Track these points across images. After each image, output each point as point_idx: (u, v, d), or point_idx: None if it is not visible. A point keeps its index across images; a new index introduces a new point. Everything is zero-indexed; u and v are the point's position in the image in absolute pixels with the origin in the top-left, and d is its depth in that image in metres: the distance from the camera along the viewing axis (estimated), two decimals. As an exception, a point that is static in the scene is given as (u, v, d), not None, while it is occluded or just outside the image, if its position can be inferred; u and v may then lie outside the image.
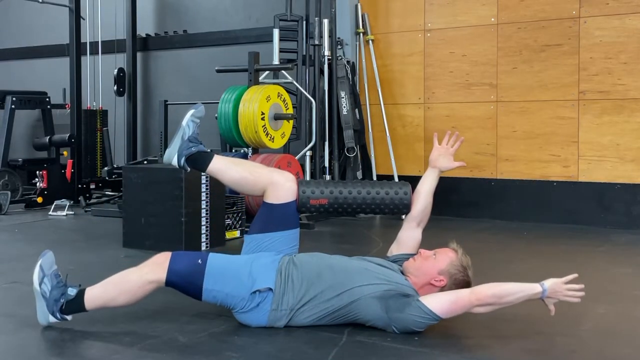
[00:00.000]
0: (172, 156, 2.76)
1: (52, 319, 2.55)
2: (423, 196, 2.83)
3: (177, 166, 2.75)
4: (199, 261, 2.54)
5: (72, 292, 2.55)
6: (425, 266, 2.56)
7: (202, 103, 2.97)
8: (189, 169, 2.78)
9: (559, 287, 2.41)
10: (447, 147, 2.88)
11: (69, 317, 2.57)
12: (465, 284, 2.53)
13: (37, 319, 2.57)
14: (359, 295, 2.50)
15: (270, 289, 2.51)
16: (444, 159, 2.87)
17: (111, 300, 2.57)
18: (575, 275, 2.43)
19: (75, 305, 2.55)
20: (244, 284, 2.51)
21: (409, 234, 2.83)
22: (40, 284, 2.54)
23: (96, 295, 2.56)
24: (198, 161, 2.74)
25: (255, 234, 2.70)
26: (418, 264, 2.59)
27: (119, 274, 2.59)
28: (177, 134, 2.75)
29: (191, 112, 2.81)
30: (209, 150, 2.83)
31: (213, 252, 2.62)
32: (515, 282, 2.44)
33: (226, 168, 2.74)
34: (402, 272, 2.62)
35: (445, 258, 2.56)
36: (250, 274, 2.52)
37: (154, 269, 2.54)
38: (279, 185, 2.66)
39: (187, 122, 2.77)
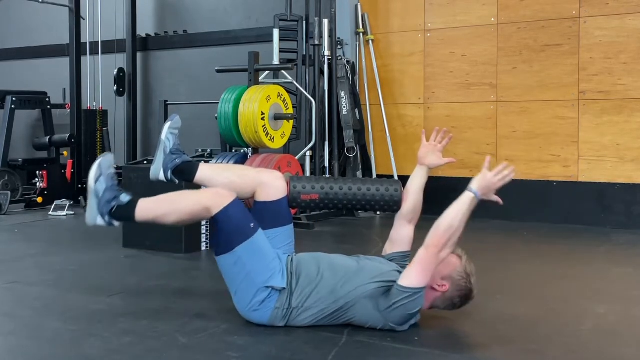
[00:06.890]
0: (157, 172, 2.74)
1: (100, 221, 2.54)
2: (413, 194, 2.83)
3: (165, 180, 2.73)
4: (252, 225, 2.54)
5: (125, 198, 2.55)
6: None
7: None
8: (177, 182, 2.77)
9: (487, 181, 2.46)
10: (436, 144, 2.87)
11: (116, 223, 2.57)
12: (468, 291, 2.53)
13: (86, 219, 2.58)
14: (354, 296, 2.51)
15: (283, 289, 2.51)
16: (432, 156, 2.87)
17: (162, 216, 2.56)
18: (488, 157, 2.52)
19: (126, 212, 2.54)
20: (264, 273, 2.51)
21: (401, 231, 2.83)
22: (95, 181, 2.54)
23: (149, 207, 2.56)
24: (185, 172, 2.74)
25: None
26: None
27: (176, 192, 2.59)
28: (159, 149, 2.73)
29: (168, 124, 2.80)
30: (192, 159, 2.81)
31: (261, 229, 2.58)
32: (450, 207, 2.46)
33: (213, 175, 2.74)
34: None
35: (450, 264, 2.54)
36: (271, 267, 2.53)
37: (214, 197, 2.54)
38: (269, 184, 2.67)
39: (166, 135, 2.75)
